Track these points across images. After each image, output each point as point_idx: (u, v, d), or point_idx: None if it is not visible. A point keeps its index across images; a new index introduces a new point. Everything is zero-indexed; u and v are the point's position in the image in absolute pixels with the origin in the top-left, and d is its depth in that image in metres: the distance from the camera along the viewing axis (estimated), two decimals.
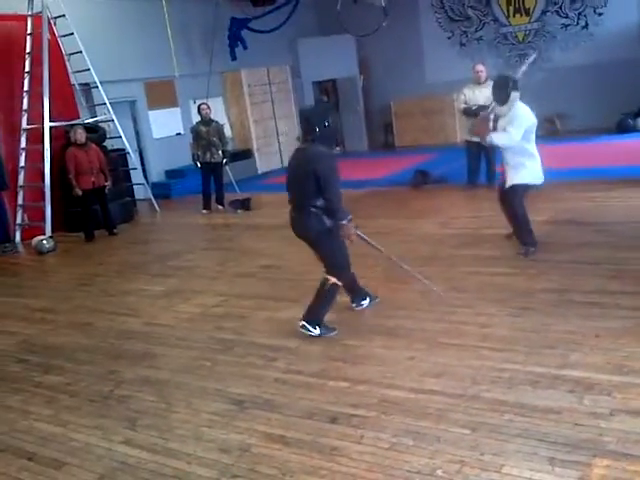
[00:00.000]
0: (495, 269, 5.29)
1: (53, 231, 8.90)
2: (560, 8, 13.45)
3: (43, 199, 9.01)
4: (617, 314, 4.08)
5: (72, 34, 9.55)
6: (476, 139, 8.60)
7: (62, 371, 4.36)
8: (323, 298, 4.27)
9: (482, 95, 8.53)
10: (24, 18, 9.43)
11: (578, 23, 13.34)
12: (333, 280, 4.25)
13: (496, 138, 5.48)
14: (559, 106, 13.13)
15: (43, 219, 8.95)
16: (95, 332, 5.09)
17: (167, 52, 11.05)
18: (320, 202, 4.07)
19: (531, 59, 6.23)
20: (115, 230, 9.10)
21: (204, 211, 9.79)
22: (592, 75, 12.91)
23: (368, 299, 4.72)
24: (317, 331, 4.24)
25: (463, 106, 8.69)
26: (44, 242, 8.48)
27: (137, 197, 10.98)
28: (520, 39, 14.02)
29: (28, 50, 9.42)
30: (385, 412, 3.24)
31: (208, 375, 3.98)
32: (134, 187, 10.92)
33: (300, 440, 3.09)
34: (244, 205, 9.56)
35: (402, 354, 3.90)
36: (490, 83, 8.56)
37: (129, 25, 11.31)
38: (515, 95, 5.35)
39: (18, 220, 9.38)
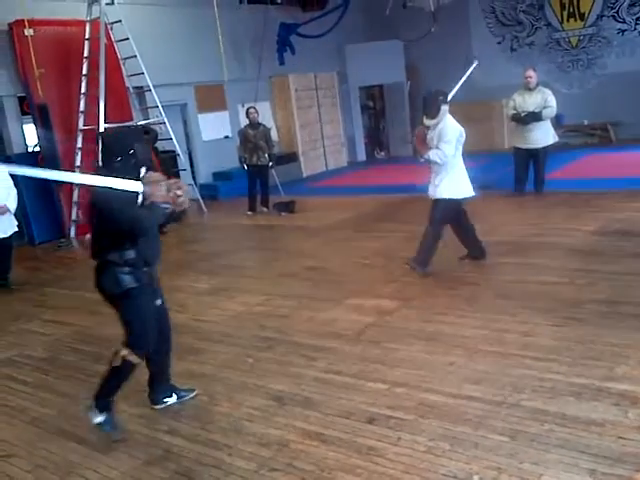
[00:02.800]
0: (542, 278, 5.21)
1: None
2: (617, 12, 13.10)
3: None
4: None
5: (127, 39, 9.86)
6: (525, 146, 8.56)
7: None
8: (110, 376, 3.43)
9: (532, 101, 8.42)
10: (83, 23, 9.79)
11: (635, 28, 12.95)
12: (125, 353, 3.36)
13: (432, 155, 5.37)
14: (613, 114, 12.82)
15: None
16: None
17: (217, 57, 11.28)
18: (114, 256, 3.29)
19: (472, 68, 6.01)
20: (164, 229, 9.31)
21: (249, 212, 9.95)
22: None
23: (175, 395, 3.73)
24: (100, 418, 3.39)
25: (512, 112, 8.60)
26: None
27: None
28: (573, 44, 13.73)
29: (86, 54, 9.77)
30: (423, 416, 3.25)
31: (250, 371, 4.07)
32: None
33: (338, 438, 3.13)
34: (288, 208, 9.67)
35: (442, 359, 3.90)
36: (541, 89, 8.52)
37: (181, 31, 11.61)
38: (445, 109, 5.34)
39: (73, 217, 9.74)
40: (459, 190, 5.50)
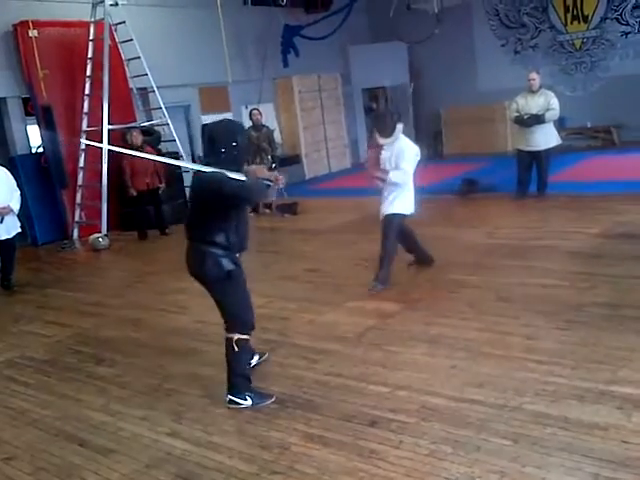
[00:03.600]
0: (544, 280, 5.20)
1: (108, 229, 9.23)
2: (620, 15, 13.04)
3: (100, 198, 9.34)
4: None
5: (131, 40, 9.86)
6: (528, 148, 8.55)
7: (113, 363, 4.54)
8: (234, 363, 3.61)
9: (535, 104, 8.41)
10: (87, 25, 9.80)
11: (639, 31, 12.88)
12: (237, 338, 3.57)
13: (394, 177, 5.34)
14: (616, 117, 12.76)
15: (99, 218, 9.28)
16: (145, 327, 5.26)
17: (221, 58, 11.29)
18: (220, 238, 3.46)
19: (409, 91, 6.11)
20: (167, 230, 9.34)
21: (251, 214, 9.92)
22: None
23: (251, 401, 3.61)
24: (248, 402, 3.58)
25: (515, 115, 8.59)
26: (100, 240, 8.81)
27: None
28: (577, 47, 13.70)
29: (90, 55, 9.79)
30: (425, 419, 3.24)
31: (251, 374, 4.05)
32: (186, 189, 11.17)
33: (339, 441, 3.13)
34: (291, 209, 9.67)
35: (444, 362, 3.89)
36: (544, 92, 8.51)
37: (185, 32, 11.61)
38: (399, 127, 5.37)
39: (76, 218, 9.76)
40: (409, 206, 5.54)
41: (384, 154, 5.46)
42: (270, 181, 3.52)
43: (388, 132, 5.37)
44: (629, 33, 13.00)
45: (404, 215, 5.53)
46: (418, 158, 5.46)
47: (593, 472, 2.65)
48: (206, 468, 3.04)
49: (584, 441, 2.88)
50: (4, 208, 6.54)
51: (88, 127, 9.73)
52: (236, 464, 3.03)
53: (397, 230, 5.52)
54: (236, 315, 3.61)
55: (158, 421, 3.56)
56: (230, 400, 3.60)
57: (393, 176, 5.36)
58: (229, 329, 3.61)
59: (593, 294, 4.78)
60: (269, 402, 3.60)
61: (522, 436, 2.98)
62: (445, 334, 4.33)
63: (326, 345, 4.36)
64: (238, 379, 3.62)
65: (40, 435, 3.58)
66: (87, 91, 9.78)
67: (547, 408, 3.20)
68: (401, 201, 5.48)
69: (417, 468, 2.83)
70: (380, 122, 5.50)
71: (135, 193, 8.97)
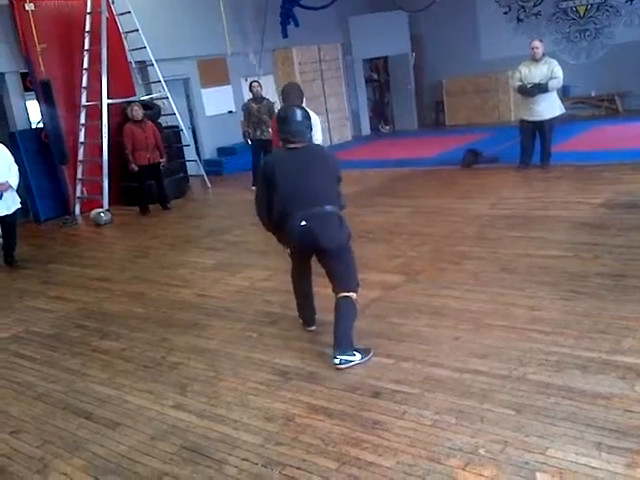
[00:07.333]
0: (547, 251, 5.18)
1: (110, 204, 9.23)
2: None
3: (101, 174, 9.31)
4: None
5: (129, 12, 9.73)
6: (531, 118, 8.45)
7: (117, 337, 4.56)
8: (352, 320, 3.74)
9: (538, 72, 8.29)
10: None
11: None
12: (356, 296, 3.79)
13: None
14: (620, 84, 12.64)
15: (101, 193, 9.27)
16: (149, 301, 5.28)
17: (220, 30, 11.11)
18: (342, 203, 3.84)
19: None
20: (169, 205, 9.32)
21: (253, 187, 9.87)
22: None
23: (360, 355, 3.67)
24: (357, 356, 3.64)
25: (518, 84, 8.48)
26: (102, 215, 8.80)
27: (190, 173, 11.18)
28: (581, 14, 13.47)
29: (87, 29, 9.65)
30: (428, 390, 3.25)
31: (255, 346, 4.08)
32: (187, 163, 11.11)
33: (343, 412, 3.14)
34: None
35: (448, 334, 3.89)
36: (547, 60, 8.38)
37: (183, 4, 11.42)
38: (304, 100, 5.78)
39: (77, 193, 9.74)
40: None
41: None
42: None
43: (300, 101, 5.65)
44: None
45: None
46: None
47: (596, 441, 2.66)
48: (211, 440, 3.06)
49: (587, 410, 2.89)
50: (2, 184, 6.50)
51: (87, 101, 9.65)
52: (241, 436, 3.06)
53: None
54: (355, 273, 3.82)
55: (163, 394, 3.59)
56: (342, 360, 3.59)
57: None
58: (349, 289, 3.74)
59: (597, 264, 4.77)
60: (371, 356, 3.67)
61: (525, 406, 2.99)
62: (449, 305, 4.33)
63: (329, 317, 4.31)
64: (350, 336, 3.67)
65: (46, 409, 3.60)
66: (85, 65, 9.66)
67: (550, 378, 3.21)
68: None
69: (421, 438, 2.84)
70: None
71: (137, 168, 8.91)
